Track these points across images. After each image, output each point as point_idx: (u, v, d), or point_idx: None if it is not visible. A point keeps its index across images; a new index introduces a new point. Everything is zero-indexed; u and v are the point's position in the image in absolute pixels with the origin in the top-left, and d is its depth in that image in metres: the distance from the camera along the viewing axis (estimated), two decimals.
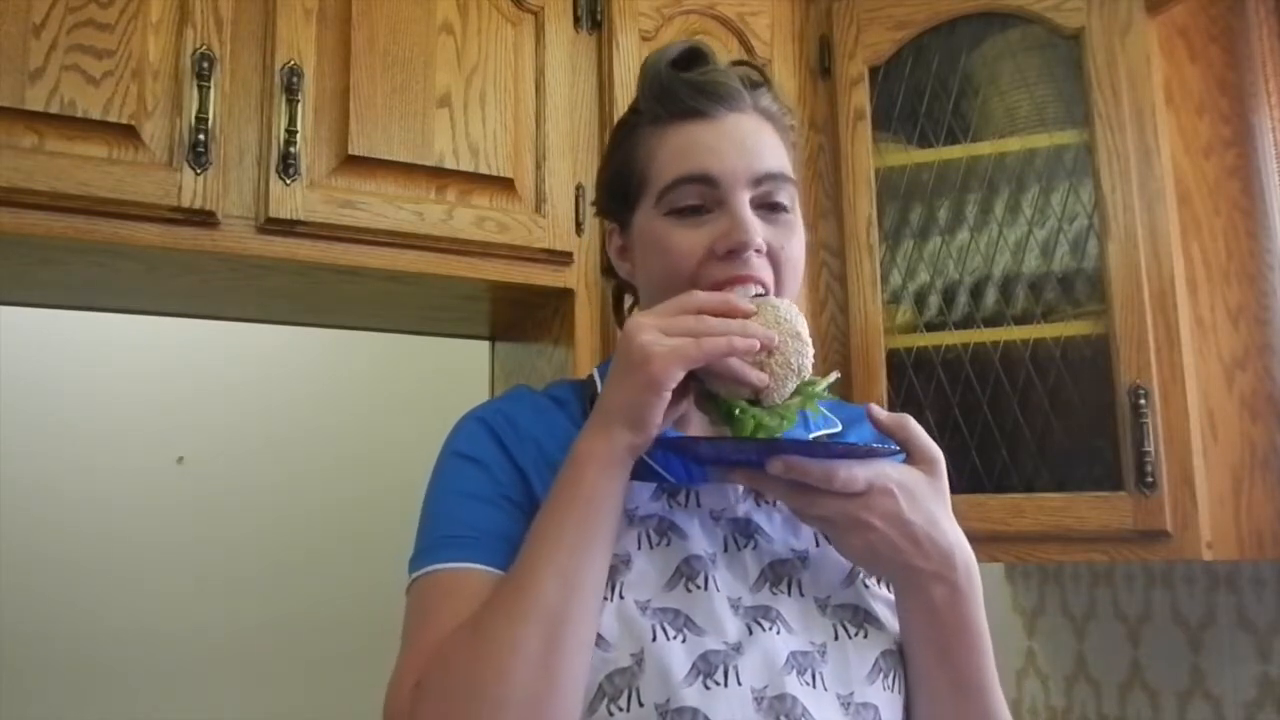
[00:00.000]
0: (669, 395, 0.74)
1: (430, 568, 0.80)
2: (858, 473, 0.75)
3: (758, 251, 0.84)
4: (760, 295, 0.83)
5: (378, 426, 2.61)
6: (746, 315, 0.78)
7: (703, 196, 0.85)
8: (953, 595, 0.79)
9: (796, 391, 0.79)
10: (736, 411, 0.78)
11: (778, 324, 0.78)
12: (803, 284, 1.51)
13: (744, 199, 0.85)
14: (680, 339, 0.74)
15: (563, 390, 0.95)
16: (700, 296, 0.78)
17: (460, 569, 0.79)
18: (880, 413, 0.83)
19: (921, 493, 0.78)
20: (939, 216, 1.58)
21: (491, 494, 0.82)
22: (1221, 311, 1.44)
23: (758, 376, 0.76)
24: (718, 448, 0.80)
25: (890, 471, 0.77)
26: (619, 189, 0.92)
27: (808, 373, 0.79)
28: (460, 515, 0.82)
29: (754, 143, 0.86)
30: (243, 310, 1.57)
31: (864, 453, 0.77)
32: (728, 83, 0.88)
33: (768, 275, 0.85)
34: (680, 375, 0.74)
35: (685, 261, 0.84)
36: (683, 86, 0.87)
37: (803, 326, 0.79)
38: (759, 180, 0.85)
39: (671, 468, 0.87)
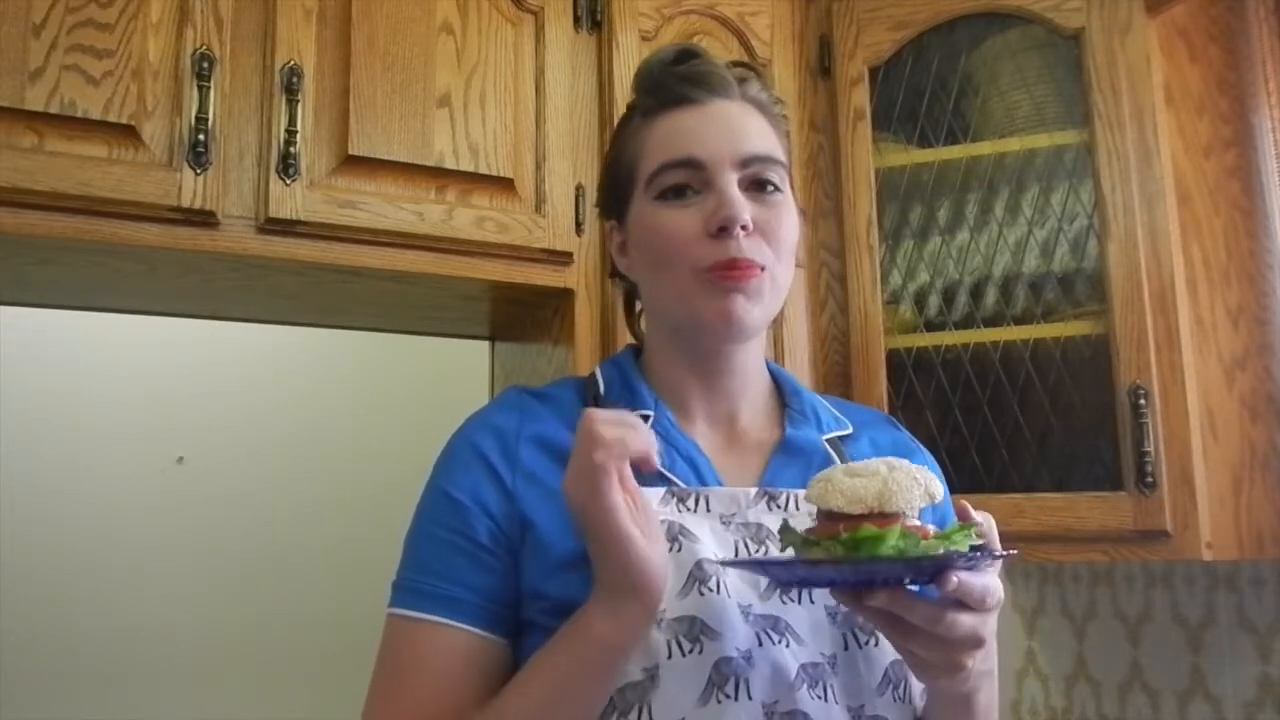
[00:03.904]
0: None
1: (399, 610, 0.82)
2: (963, 619, 0.67)
3: (744, 229, 0.84)
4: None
5: (378, 426, 2.61)
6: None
7: (690, 179, 0.86)
8: (990, 683, 0.79)
9: (945, 536, 0.68)
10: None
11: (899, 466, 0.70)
12: (802, 284, 1.53)
13: (731, 179, 0.85)
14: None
15: (562, 389, 0.94)
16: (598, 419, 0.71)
17: (425, 622, 0.81)
18: (977, 519, 0.73)
19: (995, 603, 0.70)
20: (939, 216, 1.58)
21: (466, 543, 0.82)
22: (1221, 311, 1.44)
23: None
24: (860, 569, 0.67)
25: (993, 613, 0.70)
26: (615, 184, 0.93)
27: (920, 503, 0.69)
28: (433, 563, 0.83)
29: (740, 126, 0.87)
30: (243, 310, 1.57)
31: (968, 562, 0.67)
32: (715, 71, 0.89)
33: (760, 254, 0.85)
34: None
35: (677, 241, 0.85)
36: (671, 77, 0.89)
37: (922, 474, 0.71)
38: (746, 162, 0.86)
39: (680, 471, 0.86)
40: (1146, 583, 1.71)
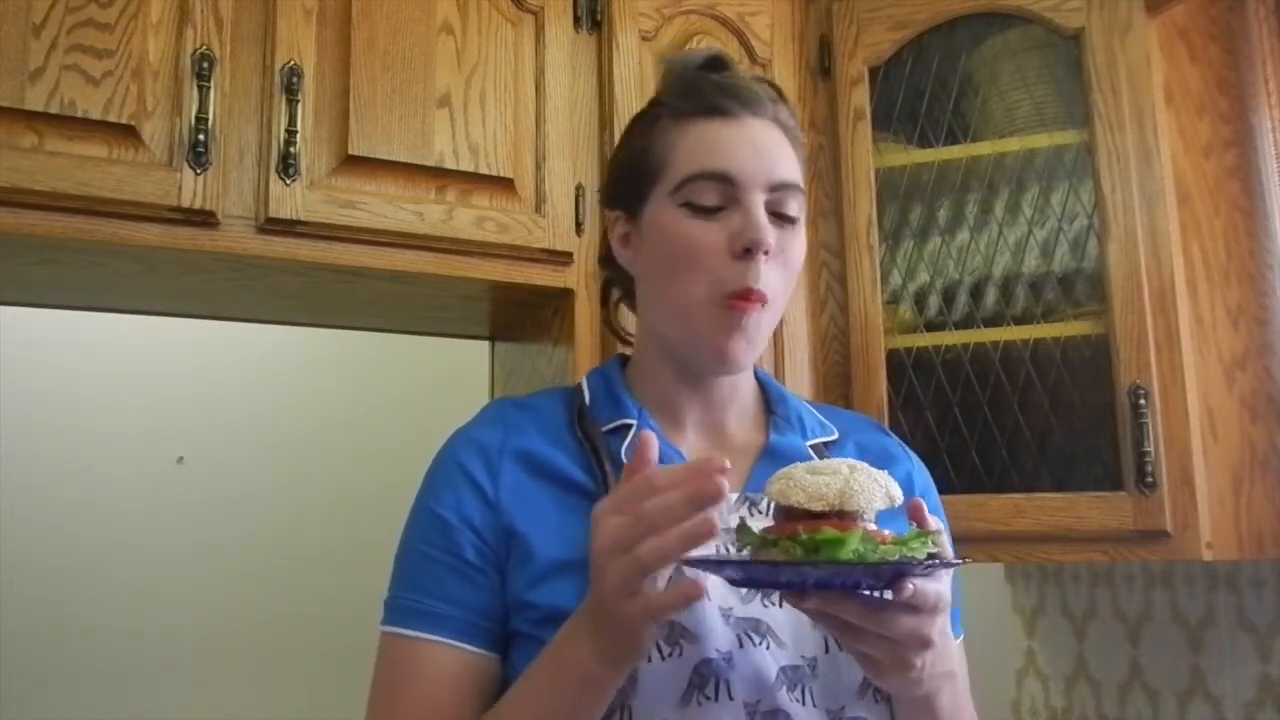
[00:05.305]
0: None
1: (392, 628, 0.84)
2: (904, 621, 0.68)
3: (766, 254, 0.85)
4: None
5: (377, 426, 2.61)
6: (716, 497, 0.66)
7: (721, 195, 0.86)
8: (952, 685, 0.78)
9: (902, 542, 0.68)
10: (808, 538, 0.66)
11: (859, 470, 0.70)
12: (802, 284, 1.53)
13: (759, 200, 0.86)
14: (653, 598, 0.66)
15: (547, 399, 0.94)
16: (659, 481, 0.68)
17: (417, 640, 0.82)
18: (936, 526, 0.74)
19: (943, 606, 0.71)
20: (939, 216, 1.58)
21: (454, 560, 0.84)
22: (1221, 311, 1.44)
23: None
24: (802, 572, 0.67)
25: (939, 615, 0.70)
26: (632, 177, 0.93)
27: (880, 505, 0.69)
28: (422, 581, 0.84)
29: (773, 149, 0.88)
30: (243, 310, 1.57)
31: (924, 569, 0.67)
32: (752, 88, 0.90)
33: (770, 284, 0.86)
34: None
35: (697, 254, 0.86)
36: (709, 84, 0.89)
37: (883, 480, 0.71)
38: (775, 187, 0.87)
39: None
40: (1146, 583, 1.71)
